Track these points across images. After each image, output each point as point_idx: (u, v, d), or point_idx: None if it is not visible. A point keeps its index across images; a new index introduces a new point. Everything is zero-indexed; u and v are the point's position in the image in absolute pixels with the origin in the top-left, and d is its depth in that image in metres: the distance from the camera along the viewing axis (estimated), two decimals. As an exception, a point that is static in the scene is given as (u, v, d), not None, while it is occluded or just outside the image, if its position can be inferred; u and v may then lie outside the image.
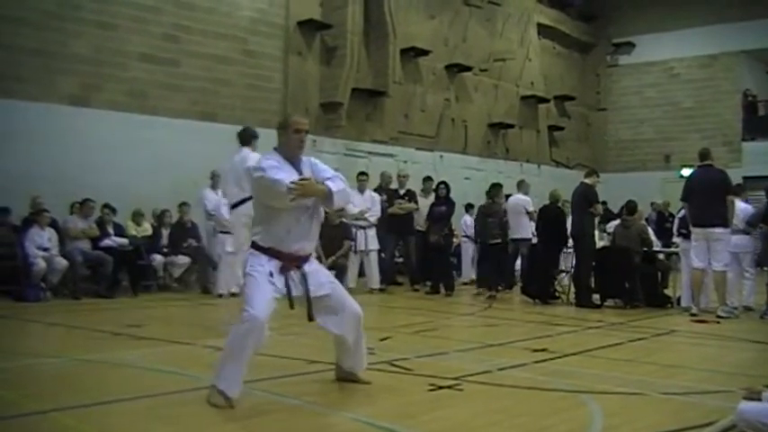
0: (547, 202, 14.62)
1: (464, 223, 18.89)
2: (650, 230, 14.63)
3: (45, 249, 13.01)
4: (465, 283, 17.85)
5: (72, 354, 7.72)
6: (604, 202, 17.80)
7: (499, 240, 14.74)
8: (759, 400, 4.84)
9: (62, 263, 13.08)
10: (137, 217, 15.03)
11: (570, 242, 13.90)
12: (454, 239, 17.26)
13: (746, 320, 11.68)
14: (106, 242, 14.00)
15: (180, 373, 6.72)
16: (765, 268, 14.42)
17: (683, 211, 13.27)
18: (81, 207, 13.90)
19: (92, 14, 15.35)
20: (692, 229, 12.14)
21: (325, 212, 15.22)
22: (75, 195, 14.00)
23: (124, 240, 14.28)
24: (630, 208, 13.91)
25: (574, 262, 13.86)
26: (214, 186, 14.84)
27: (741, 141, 27.23)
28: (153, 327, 9.94)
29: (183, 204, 15.23)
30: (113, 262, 13.62)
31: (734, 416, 4.88)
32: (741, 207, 12.78)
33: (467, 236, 18.63)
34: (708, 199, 11.86)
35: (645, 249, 13.40)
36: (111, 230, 14.26)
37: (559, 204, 14.43)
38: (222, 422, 5.25)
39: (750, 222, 12.62)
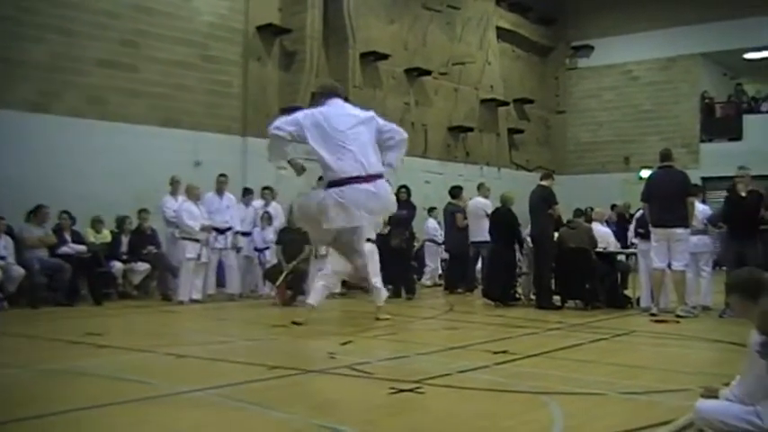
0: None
1: (428, 227, 18.95)
2: (610, 231, 14.76)
3: (1, 258, 12.83)
4: (427, 286, 17.91)
5: (31, 363, 7.61)
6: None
7: None
8: (716, 398, 4.89)
9: (19, 271, 12.87)
10: (96, 224, 14.85)
11: (525, 245, 14.04)
12: (415, 243, 17.30)
13: (705, 320, 11.79)
14: (64, 249, 13.82)
15: (141, 380, 6.65)
16: (724, 268, 14.57)
17: (640, 212, 13.39)
18: (35, 214, 13.69)
19: (50, 20, 15.19)
20: (652, 229, 12.23)
21: (288, 218, 15.24)
22: (31, 202, 13.77)
23: (82, 247, 14.09)
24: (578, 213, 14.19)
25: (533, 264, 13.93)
26: (174, 192, 14.77)
27: (699, 143, 27.54)
28: (113, 335, 9.82)
29: (142, 211, 15.10)
30: (72, 269, 13.46)
31: (692, 414, 4.93)
32: (700, 208, 12.93)
33: (431, 240, 18.72)
34: (669, 200, 11.96)
35: (597, 250, 13.48)
36: (68, 237, 14.06)
37: (510, 207, 14.45)
38: (184, 429, 5.21)
39: (711, 221, 12.77)
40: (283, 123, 7.28)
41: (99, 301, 13.60)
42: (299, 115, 7.39)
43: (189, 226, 13.94)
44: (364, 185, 7.01)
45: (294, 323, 10.44)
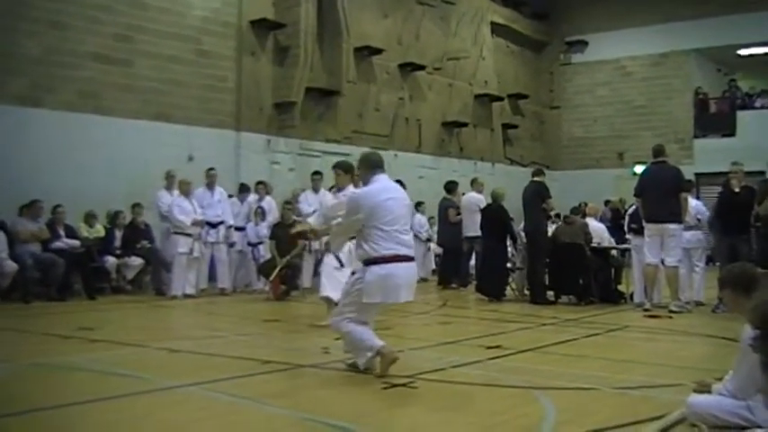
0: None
1: (414, 222, 18.92)
2: (604, 227, 14.78)
3: (-6, 252, 12.81)
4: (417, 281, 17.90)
5: (23, 358, 7.60)
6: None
7: None
8: (709, 392, 4.90)
9: (11, 266, 12.82)
10: (89, 218, 14.81)
11: (519, 240, 14.07)
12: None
13: (698, 315, 11.81)
14: (57, 244, 13.77)
15: (134, 375, 6.65)
16: (717, 263, 14.59)
17: (633, 207, 13.41)
18: (29, 208, 13.66)
19: (43, 14, 15.11)
20: (645, 225, 12.24)
21: (281, 213, 15.21)
22: (25, 197, 13.74)
23: (75, 242, 14.04)
24: (575, 210, 14.21)
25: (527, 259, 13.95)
26: (169, 187, 14.75)
27: (693, 138, 27.53)
28: (106, 329, 9.80)
29: (135, 205, 15.07)
30: (65, 264, 13.43)
31: (684, 409, 4.94)
32: (693, 204, 12.96)
33: (416, 235, 18.70)
34: (662, 195, 11.98)
35: (591, 246, 13.50)
36: (62, 232, 14.01)
37: (502, 203, 14.46)
38: (176, 424, 5.20)
39: (709, 222, 12.82)
40: None
41: (92, 296, 13.59)
42: None
43: (180, 221, 13.93)
44: None
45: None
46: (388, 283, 6.71)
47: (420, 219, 18.97)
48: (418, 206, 19.11)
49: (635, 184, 12.71)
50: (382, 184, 7.04)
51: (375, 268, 6.70)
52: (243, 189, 16.32)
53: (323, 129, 20.57)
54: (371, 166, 7.20)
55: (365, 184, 7.22)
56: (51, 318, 11.25)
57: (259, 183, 16.26)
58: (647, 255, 12.18)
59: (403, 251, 6.80)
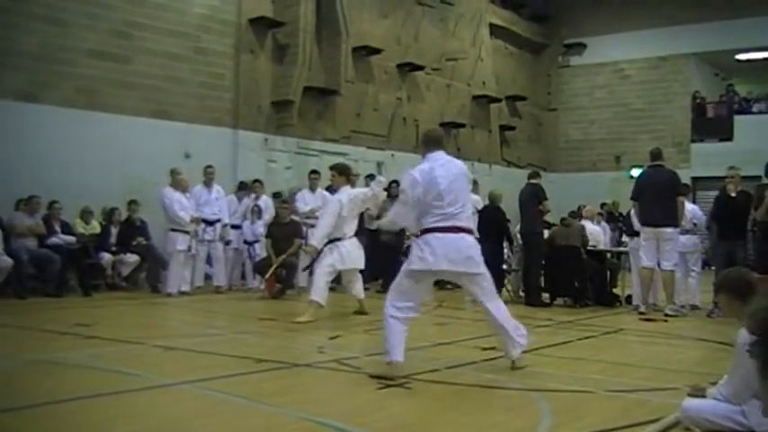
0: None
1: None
2: (600, 230, 14.80)
3: (-11, 247, 12.77)
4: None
5: (18, 354, 7.58)
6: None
7: None
8: (703, 396, 4.91)
9: (7, 261, 12.76)
10: (85, 215, 14.81)
11: (515, 242, 14.08)
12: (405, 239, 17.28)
13: (694, 319, 11.83)
14: (53, 240, 13.74)
15: (129, 372, 6.64)
16: (713, 268, 14.61)
17: (630, 210, 13.44)
18: (27, 204, 13.62)
19: (41, 9, 15.09)
20: (641, 228, 12.25)
21: (276, 211, 15.26)
22: (21, 192, 13.71)
23: (72, 238, 14.01)
24: (572, 215, 14.29)
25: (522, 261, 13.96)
26: (174, 185, 14.60)
27: (690, 143, 27.56)
28: (102, 326, 9.77)
29: (131, 202, 15.04)
30: (60, 260, 13.40)
31: (679, 412, 4.94)
32: (689, 208, 12.99)
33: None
34: (659, 199, 11.99)
35: (588, 248, 13.51)
36: (58, 228, 13.98)
37: (499, 205, 14.47)
38: (171, 422, 5.20)
39: (707, 227, 12.84)
40: None
41: (88, 293, 13.55)
42: None
43: (180, 217, 13.90)
44: None
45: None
46: (433, 251, 6.79)
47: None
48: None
49: (631, 188, 12.72)
50: (435, 162, 7.12)
51: (420, 239, 6.90)
52: (242, 187, 16.31)
53: (321, 128, 20.57)
54: (426, 143, 7.35)
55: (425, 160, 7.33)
56: (47, 314, 11.21)
57: (255, 181, 16.24)
58: (642, 258, 12.18)
59: (450, 223, 6.89)
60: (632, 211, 12.98)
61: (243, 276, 16.01)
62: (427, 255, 6.75)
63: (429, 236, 6.82)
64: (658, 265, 12.10)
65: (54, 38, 15.23)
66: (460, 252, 6.88)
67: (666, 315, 11.72)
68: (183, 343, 8.46)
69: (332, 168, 11.57)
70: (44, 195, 13.88)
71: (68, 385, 6.20)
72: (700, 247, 13.23)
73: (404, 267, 6.98)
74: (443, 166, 7.07)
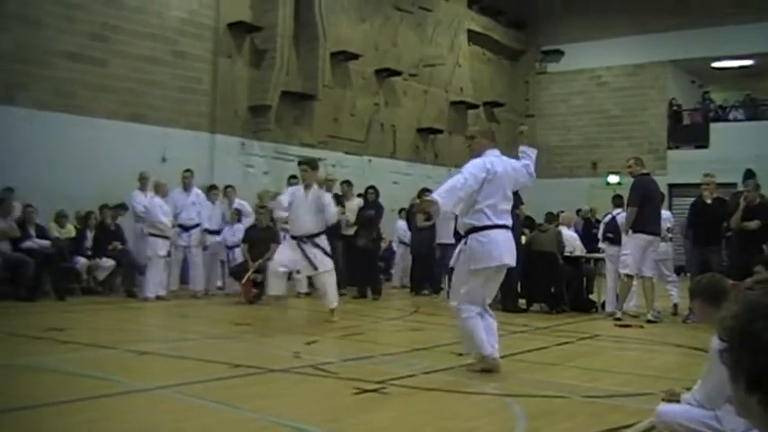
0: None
1: (398, 228, 18.92)
2: (576, 236, 14.85)
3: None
4: (395, 287, 17.93)
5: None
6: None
7: None
8: (678, 402, 4.93)
9: (-21, 265, 12.71)
10: (60, 218, 14.66)
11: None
12: (382, 244, 17.32)
13: (669, 325, 11.88)
14: (27, 244, 13.59)
15: (103, 377, 6.60)
16: (688, 274, 14.70)
17: (608, 216, 13.48)
18: (0, 206, 13.50)
19: (17, 9, 14.99)
20: (638, 235, 11.97)
21: (256, 216, 15.29)
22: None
23: (46, 242, 13.86)
24: (548, 217, 14.32)
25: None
26: (143, 188, 14.65)
27: (666, 149, 27.71)
28: (76, 330, 9.71)
29: (104, 207, 14.91)
30: (35, 264, 13.26)
31: (653, 417, 4.96)
32: (665, 215, 13.10)
33: (401, 241, 18.66)
34: (658, 207, 12.20)
35: (564, 254, 13.55)
36: (32, 232, 13.84)
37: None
38: (146, 427, 5.18)
39: (685, 234, 12.97)
40: None
41: (62, 297, 13.41)
42: None
43: (162, 222, 13.83)
44: None
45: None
46: (491, 248, 7.07)
47: (402, 224, 18.89)
48: (401, 212, 19.10)
49: (609, 194, 12.80)
50: (495, 158, 7.49)
51: (476, 236, 7.12)
52: (212, 189, 16.01)
53: (298, 133, 20.55)
54: (489, 138, 7.95)
55: (477, 155, 7.59)
56: (20, 318, 11.10)
57: (227, 186, 16.10)
58: (630, 265, 12.04)
59: (498, 221, 7.19)
60: (620, 217, 12.93)
61: (222, 281, 15.91)
62: (492, 250, 7.08)
63: (490, 232, 7.11)
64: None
65: (29, 39, 15.11)
66: (512, 248, 7.30)
67: (648, 321, 11.78)
68: (160, 348, 8.43)
69: (302, 163, 11.77)
70: (18, 198, 13.79)
71: (42, 390, 6.15)
72: (671, 254, 13.36)
73: (463, 269, 7.25)
74: (501, 164, 7.43)
